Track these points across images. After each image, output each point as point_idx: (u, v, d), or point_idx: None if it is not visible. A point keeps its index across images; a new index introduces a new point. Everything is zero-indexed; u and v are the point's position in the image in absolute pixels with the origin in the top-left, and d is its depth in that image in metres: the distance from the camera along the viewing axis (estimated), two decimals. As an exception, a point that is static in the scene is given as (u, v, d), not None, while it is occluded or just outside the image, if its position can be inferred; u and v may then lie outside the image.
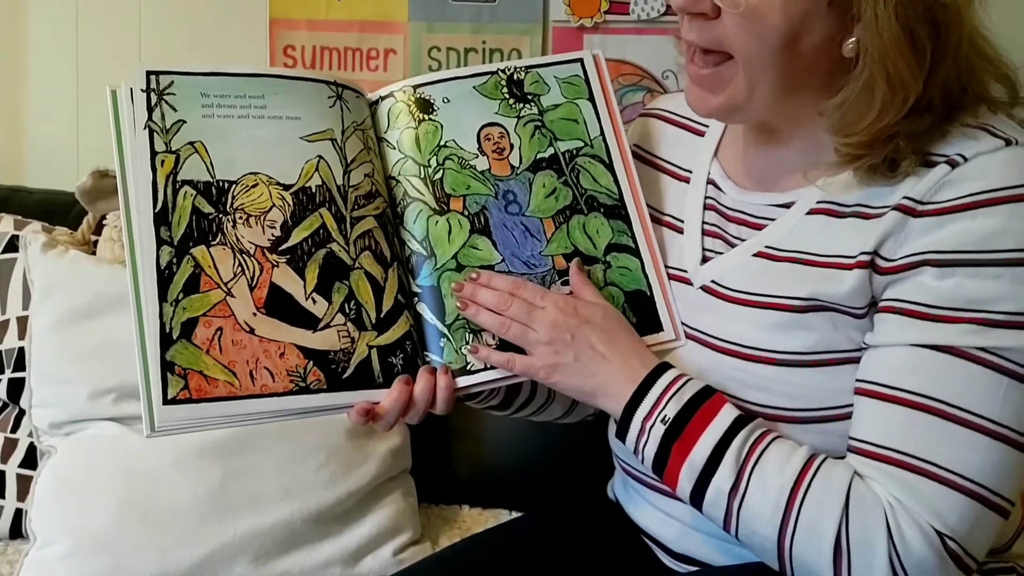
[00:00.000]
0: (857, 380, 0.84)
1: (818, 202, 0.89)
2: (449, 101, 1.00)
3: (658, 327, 0.96)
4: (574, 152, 1.01)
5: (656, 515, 1.01)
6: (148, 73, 0.91)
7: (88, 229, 1.43)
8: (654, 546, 1.02)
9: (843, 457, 0.84)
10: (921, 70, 0.80)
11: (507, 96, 1.02)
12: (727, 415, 0.85)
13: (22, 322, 1.40)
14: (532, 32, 1.65)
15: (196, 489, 1.25)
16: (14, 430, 1.41)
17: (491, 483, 1.51)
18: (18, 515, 1.35)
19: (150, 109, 0.89)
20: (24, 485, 1.36)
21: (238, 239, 0.88)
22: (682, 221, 1.00)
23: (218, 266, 0.87)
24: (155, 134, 0.89)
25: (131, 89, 0.90)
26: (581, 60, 1.05)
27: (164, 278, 0.84)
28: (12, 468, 1.38)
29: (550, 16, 1.65)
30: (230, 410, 0.83)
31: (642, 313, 0.96)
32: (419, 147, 0.98)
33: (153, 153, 0.88)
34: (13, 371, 1.40)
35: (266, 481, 1.28)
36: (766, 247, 0.91)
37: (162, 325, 0.83)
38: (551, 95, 1.03)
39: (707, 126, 1.04)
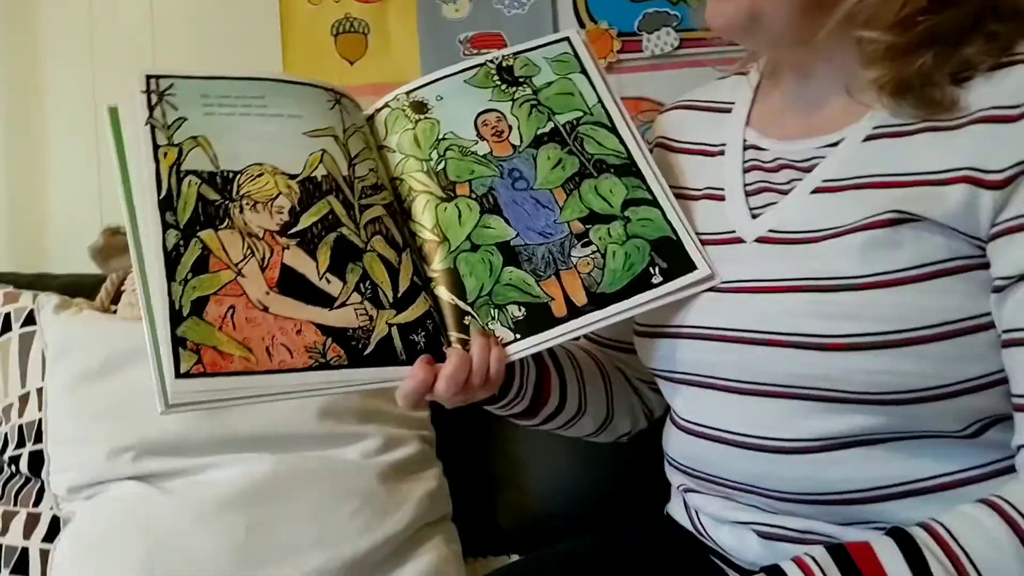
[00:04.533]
0: (1004, 332, 0.77)
1: (875, 127, 0.85)
2: (442, 98, 1.01)
3: (691, 267, 0.92)
4: (575, 122, 1.00)
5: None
6: (148, 77, 0.90)
7: (107, 297, 1.41)
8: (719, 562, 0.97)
9: (942, 386, 0.78)
10: None
11: (499, 83, 1.02)
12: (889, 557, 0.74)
13: (42, 394, 1.36)
14: (546, 79, 1.67)
15: (220, 544, 1.19)
16: (36, 503, 1.36)
17: (539, 532, 1.41)
18: (41, 594, 1.28)
19: (151, 108, 0.89)
20: (47, 560, 1.29)
21: (246, 223, 0.86)
22: (722, 189, 0.96)
23: (227, 248, 0.84)
24: (156, 130, 0.87)
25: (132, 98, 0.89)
26: (567, 38, 1.05)
27: (171, 259, 0.82)
28: (35, 544, 1.32)
29: (564, 59, 1.67)
30: (248, 384, 0.79)
31: (672, 258, 0.92)
32: (419, 144, 0.98)
33: (155, 146, 0.86)
34: (34, 443, 1.36)
35: (295, 531, 1.21)
36: (823, 182, 0.87)
37: (171, 303, 0.79)
38: (543, 75, 1.02)
39: (733, 102, 1.02)
